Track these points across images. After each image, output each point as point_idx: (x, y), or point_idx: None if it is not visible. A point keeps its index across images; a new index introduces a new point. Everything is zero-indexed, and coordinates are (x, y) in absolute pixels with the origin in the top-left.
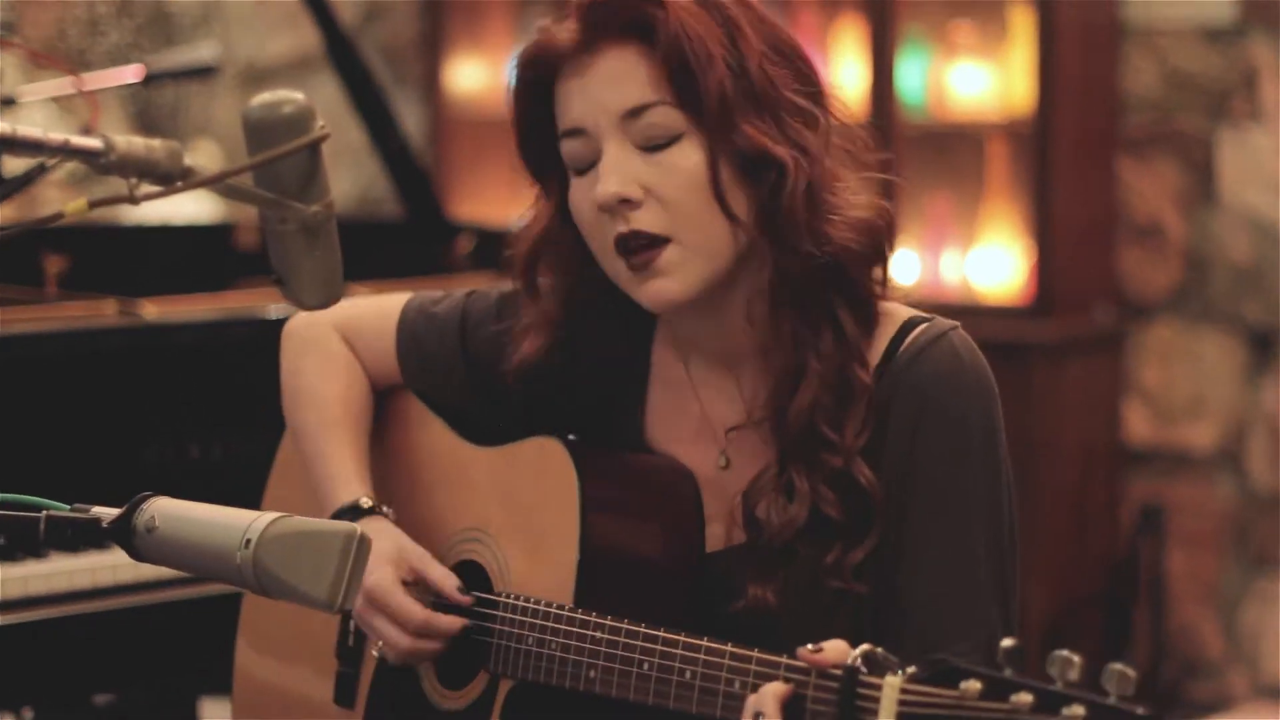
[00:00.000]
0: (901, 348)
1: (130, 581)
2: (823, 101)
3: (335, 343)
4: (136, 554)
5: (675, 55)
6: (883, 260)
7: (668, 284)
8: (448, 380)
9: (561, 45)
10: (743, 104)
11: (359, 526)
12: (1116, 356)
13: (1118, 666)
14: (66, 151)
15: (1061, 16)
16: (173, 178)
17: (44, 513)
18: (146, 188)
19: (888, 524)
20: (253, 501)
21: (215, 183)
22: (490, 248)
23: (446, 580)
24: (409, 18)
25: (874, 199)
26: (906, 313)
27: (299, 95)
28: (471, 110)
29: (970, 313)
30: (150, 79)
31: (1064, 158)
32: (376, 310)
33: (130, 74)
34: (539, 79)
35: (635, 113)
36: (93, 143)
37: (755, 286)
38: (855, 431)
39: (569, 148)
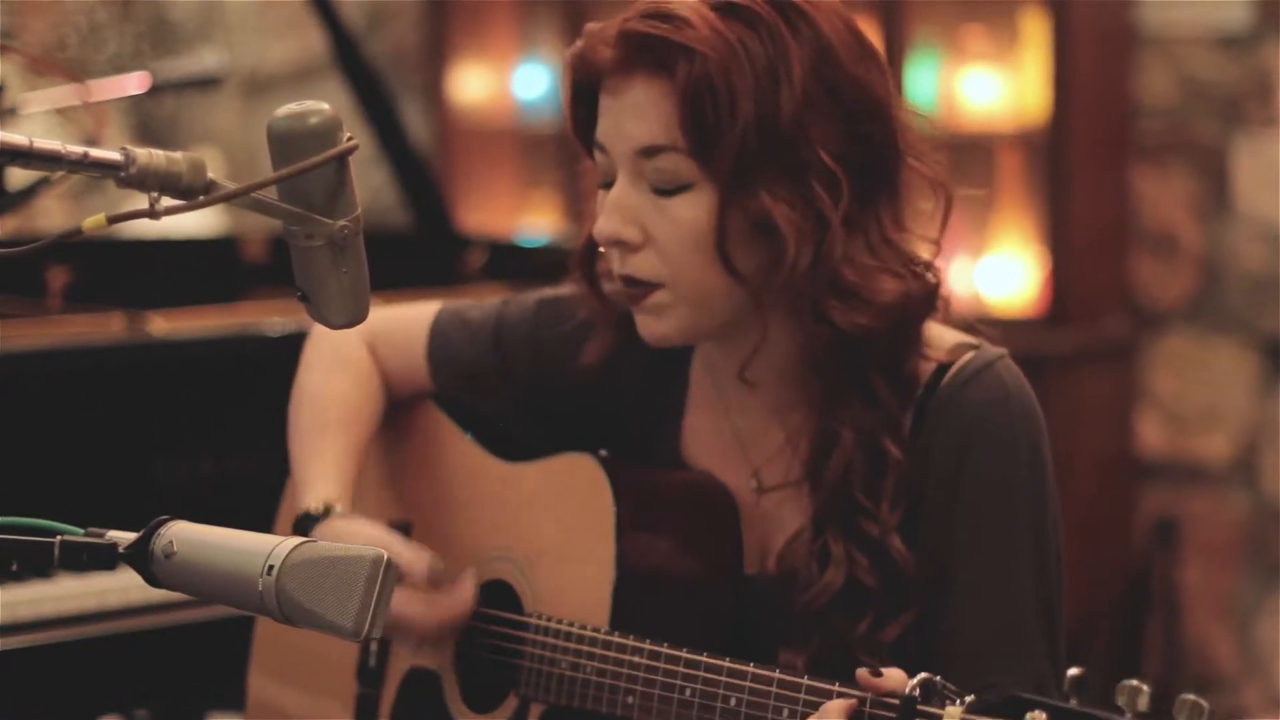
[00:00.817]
0: (946, 378)
1: (140, 604)
2: (873, 154)
3: (354, 348)
4: (154, 580)
5: (694, 106)
6: (910, 334)
7: (656, 324)
8: (481, 388)
9: (601, 62)
10: (764, 162)
11: (385, 554)
12: (1130, 367)
13: (1190, 697)
14: (86, 164)
15: (1075, 22)
16: (195, 192)
17: (58, 538)
18: (168, 202)
19: (929, 571)
20: (267, 519)
21: (239, 197)
22: (502, 261)
23: (415, 562)
24: (412, 25)
25: (906, 271)
26: (953, 337)
27: (325, 105)
28: (476, 119)
29: (980, 323)
30: (156, 88)
31: (1078, 166)
32: (408, 317)
33: (135, 83)
34: (585, 81)
35: (649, 152)
36: (113, 155)
37: (775, 336)
38: (891, 504)
39: (598, 158)
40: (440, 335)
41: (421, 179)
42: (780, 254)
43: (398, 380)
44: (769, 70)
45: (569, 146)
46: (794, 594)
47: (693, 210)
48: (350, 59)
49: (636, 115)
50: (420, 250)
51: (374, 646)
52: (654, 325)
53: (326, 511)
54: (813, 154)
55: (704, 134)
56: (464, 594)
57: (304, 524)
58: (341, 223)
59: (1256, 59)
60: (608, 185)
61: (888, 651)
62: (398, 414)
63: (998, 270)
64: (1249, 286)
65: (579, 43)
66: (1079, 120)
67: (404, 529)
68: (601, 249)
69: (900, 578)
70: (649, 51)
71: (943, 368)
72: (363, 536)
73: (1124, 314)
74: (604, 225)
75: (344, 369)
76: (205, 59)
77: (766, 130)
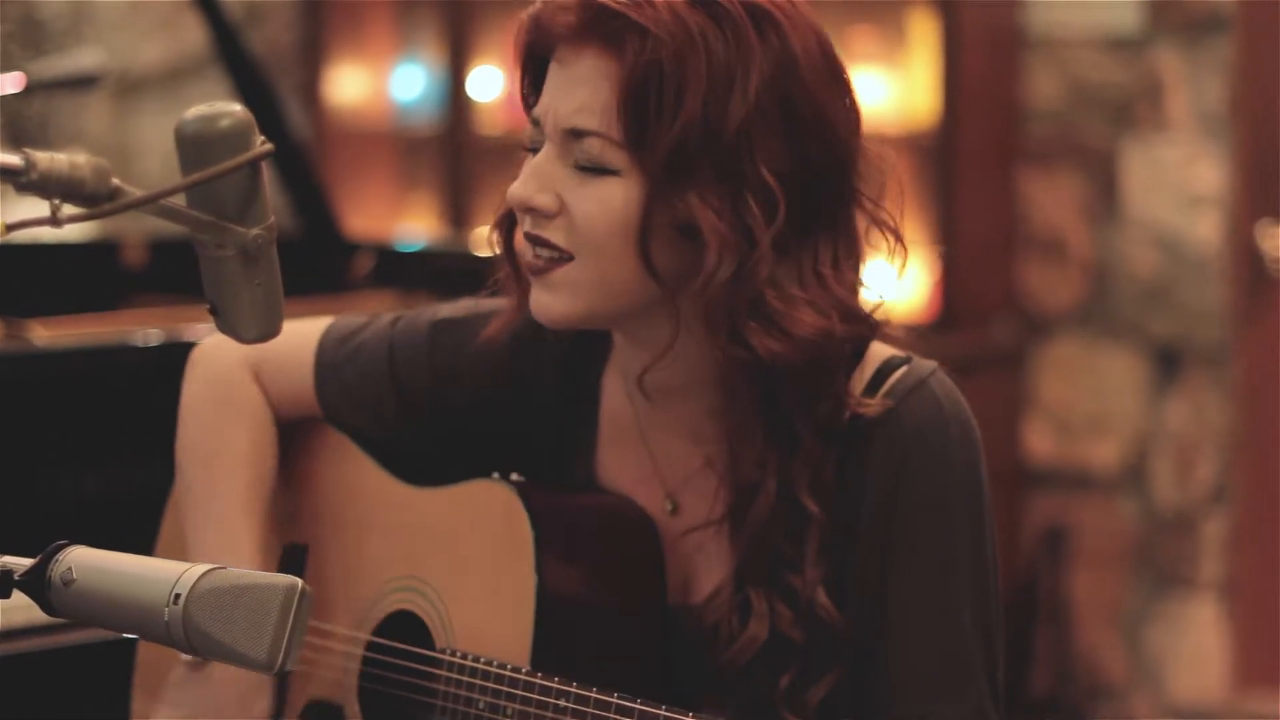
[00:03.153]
0: (878, 395)
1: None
2: (818, 185)
3: (241, 385)
4: (50, 608)
5: (637, 91)
6: (823, 380)
7: (550, 300)
8: (376, 413)
9: (556, 29)
10: (700, 164)
11: (301, 581)
12: (1017, 373)
13: None
14: None
15: (964, 24)
16: (99, 198)
17: None
18: (69, 209)
19: (865, 598)
20: (155, 536)
21: (146, 204)
22: (388, 267)
23: None
24: (287, 24)
25: (835, 309)
26: (883, 351)
27: (237, 106)
28: (353, 120)
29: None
30: (32, 88)
31: (966, 169)
32: (290, 341)
33: (10, 83)
34: (537, 45)
35: (576, 134)
36: (11, 160)
37: (698, 341)
38: (814, 560)
39: (529, 127)
40: (329, 365)
41: (307, 182)
42: (700, 261)
43: (285, 410)
44: (725, 70)
45: (448, 149)
46: (715, 649)
47: (614, 196)
48: (233, 54)
49: (575, 90)
50: (306, 256)
51: (272, 674)
52: (551, 303)
53: None
54: (753, 167)
55: (642, 122)
56: None
57: None
58: (255, 231)
59: (1146, 61)
60: (534, 150)
61: (815, 713)
62: (294, 430)
63: (886, 274)
64: (1139, 292)
65: (537, 4)
66: (968, 123)
67: (300, 551)
68: (514, 209)
69: (826, 634)
70: (606, 24)
71: (874, 384)
72: None
73: (1013, 320)
74: (519, 189)
75: (238, 414)
76: (83, 58)
77: (709, 132)
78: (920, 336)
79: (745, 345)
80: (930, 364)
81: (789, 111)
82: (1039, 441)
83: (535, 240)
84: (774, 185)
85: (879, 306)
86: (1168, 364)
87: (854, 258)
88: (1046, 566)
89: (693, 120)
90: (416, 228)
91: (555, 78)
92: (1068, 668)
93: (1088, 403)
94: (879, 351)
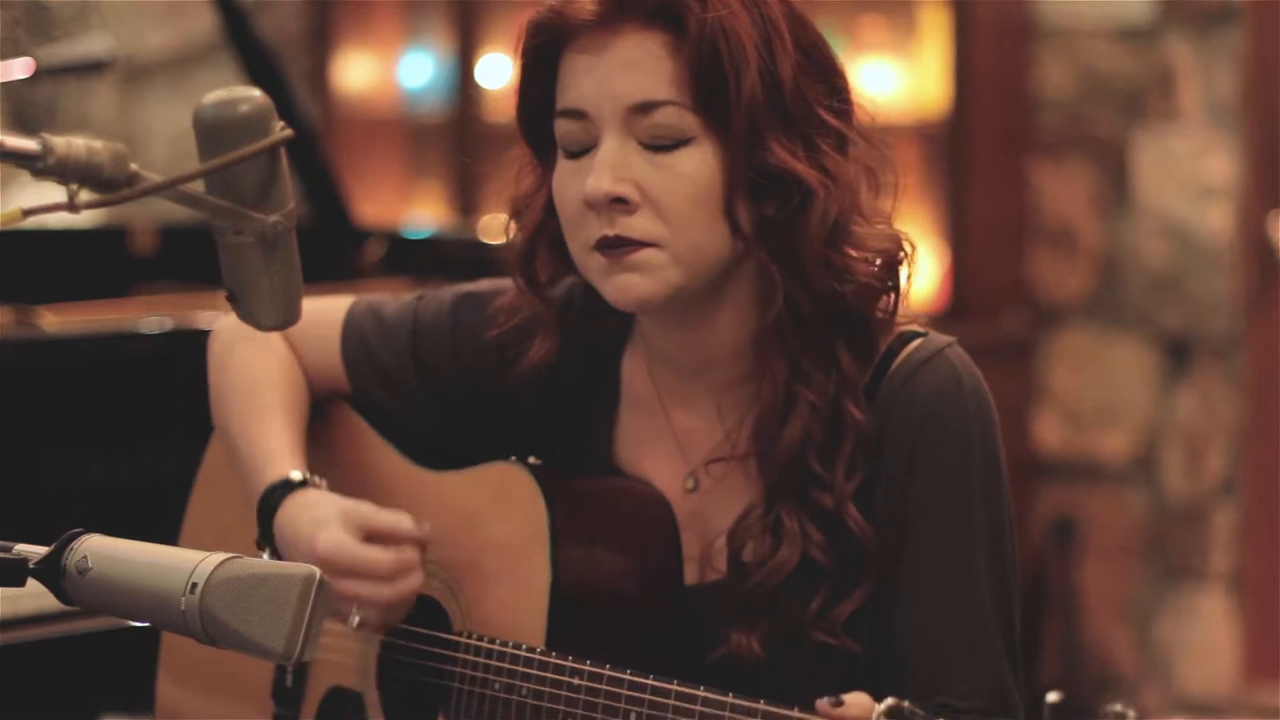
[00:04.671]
0: (894, 365)
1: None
2: (851, 121)
3: (271, 337)
4: (65, 597)
5: (705, 55)
6: (896, 292)
7: (639, 281)
8: (399, 389)
9: (580, 15)
10: (772, 118)
11: (318, 572)
12: (1027, 363)
13: (1115, 707)
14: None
15: (975, 13)
16: (117, 184)
17: None
18: (87, 194)
19: (883, 562)
20: (164, 522)
21: (164, 190)
22: (398, 254)
23: (399, 522)
24: (296, 11)
25: (892, 229)
26: (901, 324)
27: (256, 92)
28: (361, 108)
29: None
30: (40, 73)
31: (977, 159)
32: (319, 312)
33: (19, 68)
34: (547, 46)
35: (644, 108)
36: (29, 144)
37: (747, 303)
38: (846, 472)
39: (564, 128)
40: (355, 336)
41: (318, 169)
42: (798, 214)
43: (314, 379)
44: (764, 27)
45: (456, 136)
46: (744, 574)
47: (695, 165)
48: (243, 40)
49: (629, 69)
50: (317, 243)
51: (291, 667)
52: (638, 284)
53: (304, 482)
54: (812, 111)
55: (718, 86)
56: (418, 562)
57: (280, 492)
58: (274, 217)
59: (1157, 52)
60: (573, 154)
61: (843, 630)
62: (313, 419)
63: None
64: (1149, 282)
65: (547, 4)
66: (978, 113)
67: None
68: (590, 206)
69: (855, 551)
70: (643, 3)
71: (890, 353)
72: (335, 505)
73: (1022, 309)
74: (597, 183)
75: (268, 351)
76: (91, 44)
77: (772, 86)
78: (930, 326)
79: (847, 274)
80: (946, 337)
81: (811, 56)
82: (1048, 432)
83: (616, 242)
84: (835, 123)
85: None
86: (1177, 355)
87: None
88: (1056, 557)
89: (757, 76)
90: (425, 215)
91: (594, 66)
92: (1076, 659)
93: (1097, 393)
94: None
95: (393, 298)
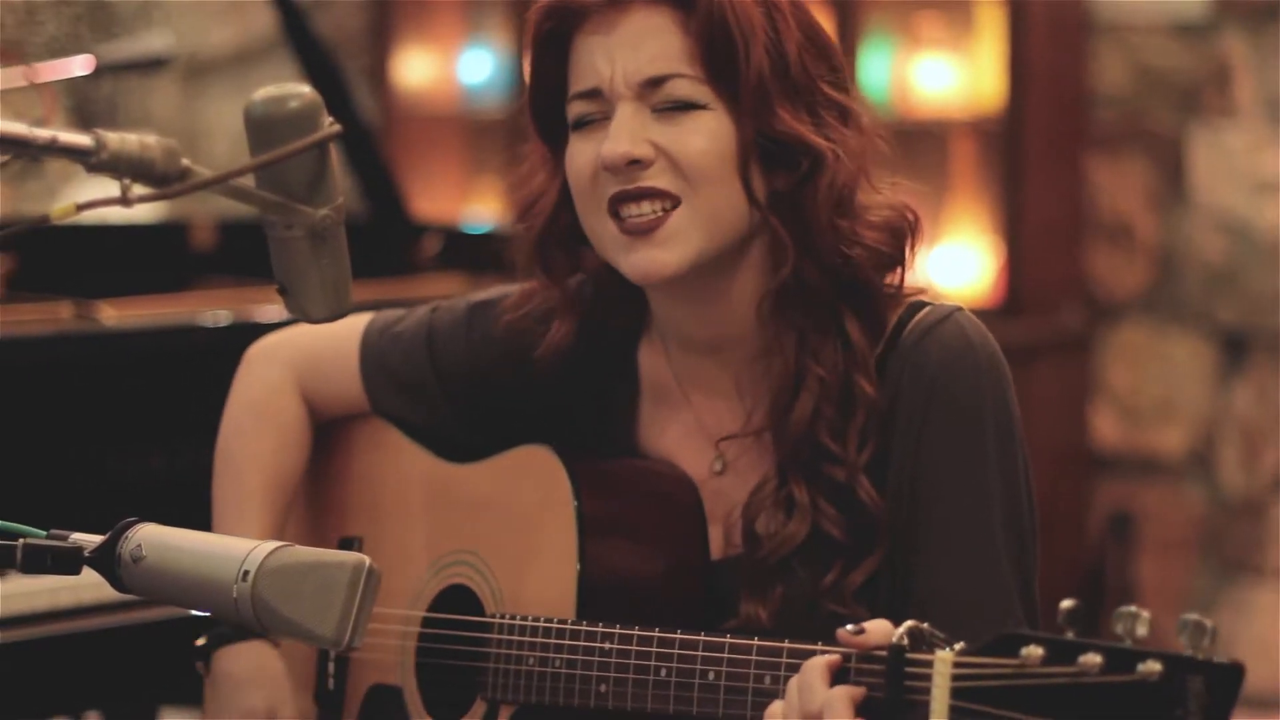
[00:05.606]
0: (906, 330)
1: (92, 603)
2: (852, 98)
3: (280, 394)
4: (120, 585)
5: (715, 28)
6: (901, 264)
7: (661, 254)
8: (420, 400)
9: (586, 2)
10: (779, 91)
11: (367, 560)
12: (1085, 358)
13: (1193, 616)
14: (54, 149)
15: (1030, 9)
16: (169, 179)
17: (21, 541)
18: (140, 189)
19: (898, 526)
20: None
21: (215, 184)
22: (456, 248)
23: None
24: (356, 8)
25: (897, 199)
26: (908, 295)
27: (305, 88)
28: (421, 105)
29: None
30: (101, 70)
31: (1032, 154)
32: (335, 339)
33: (80, 65)
34: (557, 31)
35: (657, 82)
36: (83, 140)
37: (758, 277)
38: (858, 444)
39: (578, 109)
40: (372, 355)
41: (375, 164)
42: (806, 181)
43: (332, 408)
44: (764, 9)
45: (515, 132)
46: (758, 546)
47: (710, 127)
48: (300, 38)
49: (639, 44)
50: (374, 238)
51: (332, 668)
52: (659, 256)
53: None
54: (816, 85)
55: (728, 59)
56: None
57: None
58: (323, 211)
59: (1213, 47)
60: (582, 124)
61: (855, 596)
62: (339, 427)
63: (951, 260)
64: (1205, 278)
65: None
66: (1034, 109)
67: (353, 544)
68: (608, 169)
69: (867, 520)
70: None
71: (900, 323)
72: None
73: (1079, 305)
74: (614, 145)
75: (268, 425)
76: (152, 40)
77: (777, 59)
78: (986, 321)
79: (856, 240)
80: (955, 303)
81: (810, 36)
82: (1106, 427)
83: (635, 195)
84: (836, 95)
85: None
86: (1234, 350)
87: None
88: (1113, 552)
89: (764, 50)
90: (483, 210)
91: (606, 45)
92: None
93: (1154, 389)
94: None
95: (405, 313)
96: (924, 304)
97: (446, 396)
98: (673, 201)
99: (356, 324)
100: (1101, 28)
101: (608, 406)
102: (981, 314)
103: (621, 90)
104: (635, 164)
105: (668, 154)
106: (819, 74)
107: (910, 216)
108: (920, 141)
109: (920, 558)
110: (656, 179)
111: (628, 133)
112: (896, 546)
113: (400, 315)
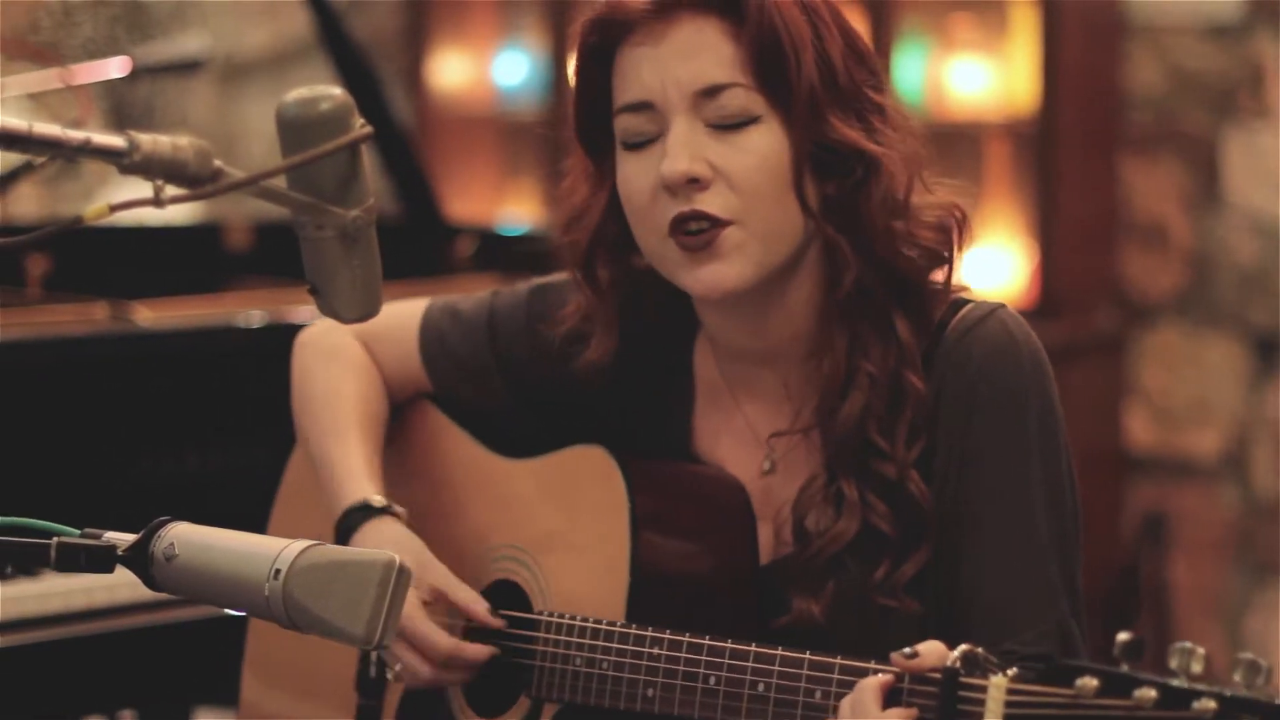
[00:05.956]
0: (950, 327)
1: (127, 602)
2: (894, 101)
3: (352, 348)
4: (153, 583)
5: (765, 37)
6: (950, 262)
7: (724, 269)
8: (478, 381)
9: (634, 9)
10: (829, 97)
11: (397, 558)
12: (1118, 360)
13: (1248, 655)
14: (88, 150)
15: (1064, 11)
16: (201, 180)
17: (55, 539)
18: (173, 190)
19: (944, 519)
20: (255, 515)
21: (247, 186)
22: (488, 250)
23: (474, 603)
24: (391, 10)
25: (946, 199)
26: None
27: (336, 90)
28: (456, 106)
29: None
30: (137, 72)
31: (1066, 156)
32: (396, 315)
33: (116, 67)
34: (603, 45)
35: (711, 92)
36: (116, 141)
37: (812, 285)
38: (907, 440)
39: (628, 122)
40: (432, 333)
41: (409, 166)
42: (860, 185)
43: (394, 381)
44: (809, 21)
45: (550, 134)
46: (808, 543)
47: (764, 141)
48: (336, 40)
49: (690, 56)
50: (408, 239)
51: (374, 656)
52: (722, 271)
53: (386, 508)
54: (862, 92)
55: (776, 67)
56: (477, 659)
57: (360, 515)
58: (354, 213)
59: (1247, 49)
60: (637, 146)
61: (906, 589)
62: (396, 415)
63: (986, 261)
64: (1239, 279)
65: (600, 2)
66: (1068, 111)
67: None
68: (667, 188)
69: (917, 515)
70: None
71: (945, 317)
72: (413, 555)
73: (1113, 307)
74: (674, 164)
75: (349, 368)
76: (187, 43)
77: (825, 68)
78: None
79: (905, 243)
80: (997, 300)
81: (851, 43)
82: (1140, 429)
83: (693, 215)
84: (883, 101)
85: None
86: (1268, 352)
87: None
88: (1147, 553)
89: (814, 58)
90: (519, 213)
91: (654, 57)
92: (1168, 656)
93: (1188, 390)
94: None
95: (467, 296)
96: (967, 300)
97: (504, 379)
98: (723, 224)
99: (416, 305)
100: (1135, 29)
101: (663, 405)
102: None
103: (675, 102)
104: (694, 182)
105: (723, 174)
106: (862, 79)
107: (959, 214)
108: (954, 143)
109: (965, 551)
110: (711, 202)
111: (686, 151)
112: (943, 540)
113: (461, 298)
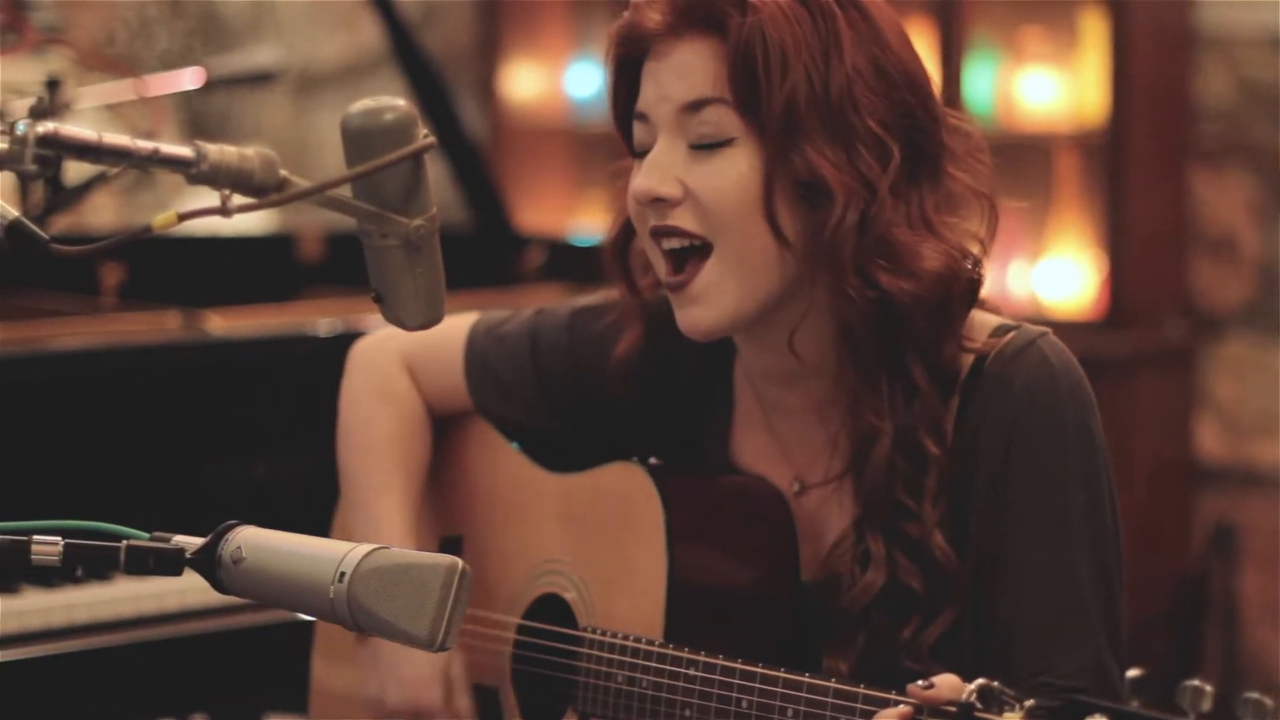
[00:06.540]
0: (990, 358)
1: (198, 607)
2: (917, 135)
3: (397, 380)
4: (221, 586)
5: (743, 58)
6: (951, 315)
7: (699, 313)
8: (521, 402)
9: (649, 27)
10: (812, 123)
11: (460, 560)
12: (1188, 371)
13: (1254, 695)
14: (156, 160)
15: (1134, 23)
16: (267, 189)
17: (124, 542)
18: (239, 199)
19: (983, 551)
20: (324, 523)
21: (312, 195)
22: (559, 260)
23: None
24: (464, 22)
25: (954, 249)
26: (992, 320)
27: (400, 101)
28: (529, 117)
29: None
30: (211, 84)
31: (1136, 168)
32: (442, 335)
33: (190, 78)
34: (629, 56)
35: (694, 107)
36: (184, 151)
37: (817, 315)
38: (933, 501)
39: (636, 131)
40: (477, 355)
41: (479, 176)
42: (826, 215)
43: (438, 402)
44: (820, 40)
45: (622, 145)
46: (837, 597)
47: (735, 165)
48: (407, 53)
49: (682, 74)
50: (478, 249)
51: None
52: (699, 313)
53: None
54: (860, 120)
55: (753, 86)
56: None
57: None
58: (417, 222)
59: None
60: (639, 154)
61: (931, 652)
62: (445, 427)
63: (1055, 273)
64: None
65: (625, 15)
66: (1137, 122)
67: (455, 543)
68: (638, 203)
69: (943, 576)
70: (699, 9)
71: (985, 352)
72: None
73: (1182, 318)
74: (642, 182)
75: (391, 404)
76: (261, 55)
77: (815, 92)
78: (1089, 333)
79: (877, 288)
80: (1040, 328)
81: (881, 71)
82: (1209, 439)
83: (665, 231)
84: (884, 135)
85: (982, 256)
86: None
87: (952, 211)
88: (1216, 564)
89: (799, 81)
90: (590, 222)
91: (657, 72)
92: (1236, 666)
93: (1257, 401)
94: (988, 320)
95: (510, 315)
96: (1010, 327)
97: (546, 399)
98: (699, 241)
99: (462, 323)
100: (1205, 41)
101: (704, 421)
102: (1085, 327)
103: (663, 116)
104: (661, 201)
105: (693, 194)
106: (870, 108)
107: (958, 268)
108: (1024, 155)
109: (1003, 584)
110: (682, 219)
111: (658, 170)
112: (980, 573)
113: (506, 317)
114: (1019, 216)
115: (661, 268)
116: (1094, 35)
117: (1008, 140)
